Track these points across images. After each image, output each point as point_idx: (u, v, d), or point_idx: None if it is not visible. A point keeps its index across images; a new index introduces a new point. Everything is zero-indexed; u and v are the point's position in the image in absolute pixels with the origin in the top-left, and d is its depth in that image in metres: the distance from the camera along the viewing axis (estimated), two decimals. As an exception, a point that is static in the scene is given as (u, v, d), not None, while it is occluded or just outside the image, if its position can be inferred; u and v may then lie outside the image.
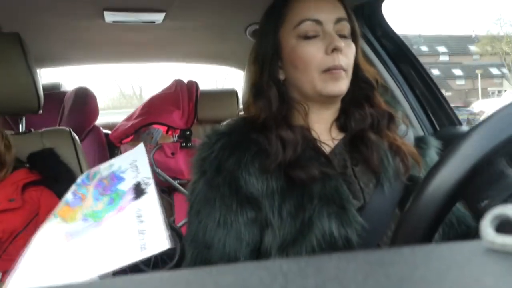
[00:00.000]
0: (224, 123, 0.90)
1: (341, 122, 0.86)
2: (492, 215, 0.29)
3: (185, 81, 2.35)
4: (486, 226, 0.29)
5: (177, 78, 2.37)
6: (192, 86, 2.31)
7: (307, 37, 0.81)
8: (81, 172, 1.25)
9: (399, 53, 1.48)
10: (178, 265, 2.21)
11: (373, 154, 0.81)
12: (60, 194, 1.14)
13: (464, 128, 1.42)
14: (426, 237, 0.51)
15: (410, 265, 0.28)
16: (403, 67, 1.47)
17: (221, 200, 0.78)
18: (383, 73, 1.45)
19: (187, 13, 1.59)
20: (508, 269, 0.27)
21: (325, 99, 0.83)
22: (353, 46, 0.83)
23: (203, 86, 2.52)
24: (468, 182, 0.50)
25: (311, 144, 0.82)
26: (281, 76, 0.85)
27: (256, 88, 0.86)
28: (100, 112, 2.50)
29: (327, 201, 0.75)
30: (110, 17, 1.53)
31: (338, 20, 0.82)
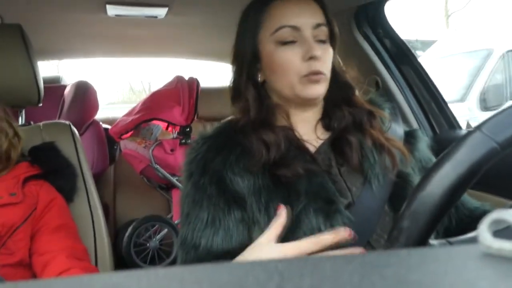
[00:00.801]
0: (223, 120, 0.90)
1: (326, 122, 0.87)
2: (490, 220, 0.29)
3: (194, 77, 2.35)
4: (484, 230, 0.29)
5: (180, 74, 2.37)
6: (192, 82, 2.30)
7: (284, 43, 0.81)
8: (80, 166, 1.25)
9: (400, 54, 1.47)
10: (175, 261, 2.21)
11: (353, 155, 0.81)
12: (60, 189, 1.14)
13: (464, 131, 1.42)
14: (422, 239, 0.51)
15: (406, 268, 0.28)
16: (404, 68, 1.47)
17: (209, 200, 0.78)
18: (383, 74, 1.45)
19: (190, 9, 1.59)
20: (504, 273, 0.27)
21: (305, 102, 0.84)
22: (330, 50, 0.83)
23: (214, 84, 2.52)
24: (465, 185, 0.50)
25: (295, 143, 0.82)
26: (260, 78, 0.86)
27: (234, 89, 0.87)
28: (110, 106, 2.50)
29: (314, 197, 0.76)
30: (112, 10, 1.53)
31: (317, 26, 0.81)
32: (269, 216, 0.76)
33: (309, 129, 0.86)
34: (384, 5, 1.43)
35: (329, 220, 0.74)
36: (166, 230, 2.23)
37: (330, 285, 0.25)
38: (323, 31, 0.82)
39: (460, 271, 0.27)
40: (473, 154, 0.49)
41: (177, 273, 0.27)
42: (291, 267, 0.28)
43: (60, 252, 1.02)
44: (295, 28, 0.81)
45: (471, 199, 0.90)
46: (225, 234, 0.77)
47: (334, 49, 0.85)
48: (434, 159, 0.89)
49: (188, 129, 2.27)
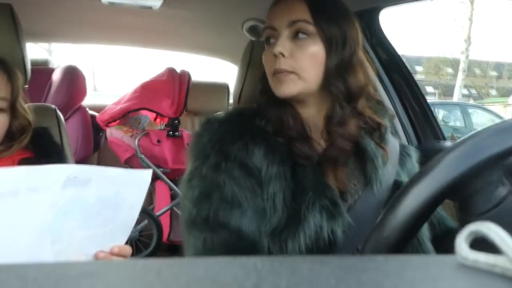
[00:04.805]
0: (219, 113, 0.89)
1: (327, 126, 0.85)
2: (467, 231, 0.29)
3: (185, 70, 2.33)
4: (461, 242, 0.29)
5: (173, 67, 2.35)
6: (184, 76, 2.29)
7: (267, 43, 0.85)
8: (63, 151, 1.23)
9: (392, 63, 1.49)
10: (153, 253, 2.20)
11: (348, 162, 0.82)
12: None
13: (448, 143, 1.44)
14: (398, 248, 0.52)
15: (383, 273, 0.28)
16: (394, 77, 1.48)
17: (235, 182, 0.77)
18: (374, 81, 1.46)
19: (185, 2, 1.58)
20: (478, 285, 0.27)
21: (287, 100, 0.84)
22: (312, 46, 0.80)
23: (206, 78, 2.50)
24: (442, 199, 0.52)
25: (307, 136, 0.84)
26: None
27: None
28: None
29: (320, 195, 0.76)
30: (107, -2, 1.51)
31: (292, 23, 0.80)
32: (275, 207, 0.76)
33: (315, 127, 0.85)
34: (379, 13, 1.44)
35: (332, 221, 0.75)
36: (146, 221, 2.21)
37: (307, 286, 0.25)
38: (300, 27, 0.80)
39: (435, 280, 0.27)
40: (451, 171, 0.50)
41: (155, 266, 0.27)
42: (269, 267, 0.28)
43: None
44: (272, 28, 0.83)
45: (447, 216, 0.91)
46: (256, 212, 0.77)
47: (330, 45, 0.81)
48: None
49: (176, 122, 2.26)
